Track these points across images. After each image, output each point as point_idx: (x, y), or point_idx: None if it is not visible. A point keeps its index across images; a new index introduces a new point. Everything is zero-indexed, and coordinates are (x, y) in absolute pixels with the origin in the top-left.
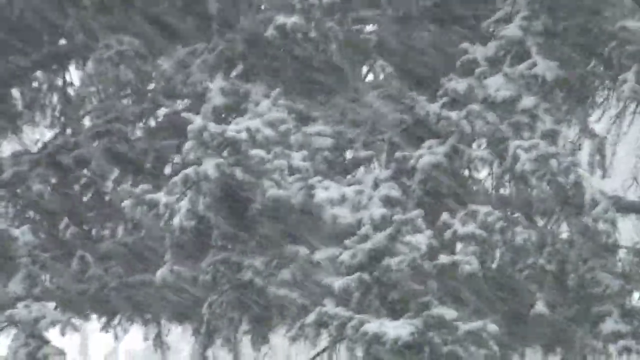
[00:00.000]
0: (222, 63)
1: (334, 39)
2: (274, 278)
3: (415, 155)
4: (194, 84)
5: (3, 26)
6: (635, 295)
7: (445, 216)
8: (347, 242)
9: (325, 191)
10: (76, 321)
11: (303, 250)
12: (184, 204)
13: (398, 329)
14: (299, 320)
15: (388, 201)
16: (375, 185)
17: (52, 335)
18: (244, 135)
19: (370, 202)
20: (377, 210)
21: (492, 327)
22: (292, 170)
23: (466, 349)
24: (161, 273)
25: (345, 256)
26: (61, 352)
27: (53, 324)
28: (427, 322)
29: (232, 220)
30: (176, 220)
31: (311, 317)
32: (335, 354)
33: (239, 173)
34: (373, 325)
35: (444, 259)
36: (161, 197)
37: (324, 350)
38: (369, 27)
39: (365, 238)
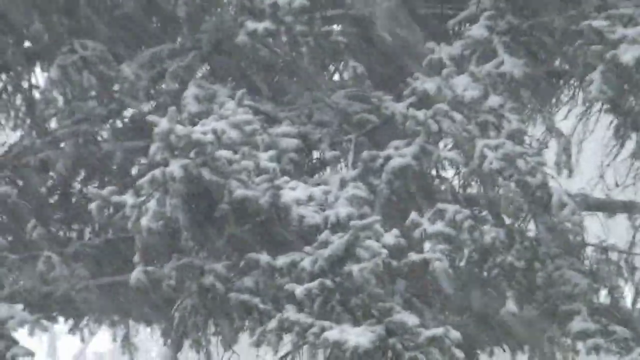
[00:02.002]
0: (193, 70)
1: (305, 43)
2: (236, 283)
3: (382, 155)
4: (168, 92)
5: None
6: (603, 293)
7: (413, 215)
8: (307, 248)
9: (293, 191)
10: (44, 322)
11: (264, 257)
12: (151, 206)
13: (359, 337)
14: (261, 325)
15: (355, 201)
16: (342, 185)
17: (20, 336)
18: (210, 136)
19: (337, 202)
20: (343, 210)
21: (454, 334)
22: (259, 171)
23: (428, 355)
24: (136, 274)
25: (306, 263)
26: (30, 353)
27: (21, 324)
28: (389, 329)
29: (200, 221)
30: (144, 222)
31: (273, 323)
32: (298, 358)
33: (205, 174)
34: (334, 332)
35: (413, 256)
36: (128, 198)
37: (286, 355)
38: (335, 27)
39: (325, 244)
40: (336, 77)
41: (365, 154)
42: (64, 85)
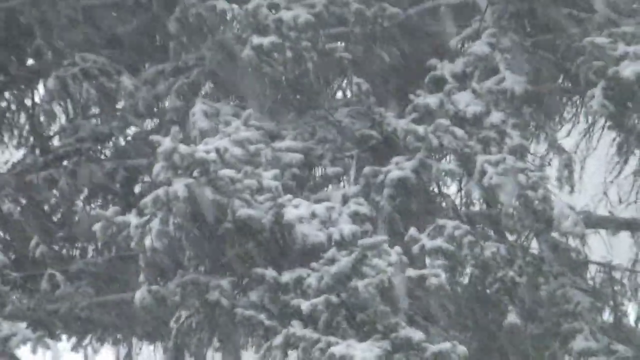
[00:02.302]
0: (198, 86)
1: (309, 59)
2: (241, 299)
3: (383, 171)
4: (173, 109)
5: None
6: (606, 311)
7: (412, 231)
8: (313, 264)
9: (295, 209)
10: (47, 340)
11: (270, 272)
12: (155, 225)
13: (365, 352)
14: (267, 341)
15: (357, 217)
16: (344, 201)
17: (23, 354)
18: (213, 155)
19: (340, 219)
20: (347, 227)
21: (461, 349)
22: (262, 190)
23: None
24: (140, 294)
25: (312, 279)
26: None
27: (24, 342)
28: (395, 344)
29: (203, 240)
30: (147, 241)
31: (278, 339)
32: None
33: (208, 193)
34: (340, 348)
35: (411, 272)
36: (132, 218)
37: None
38: (339, 44)
39: (332, 261)
40: (339, 94)
41: (367, 169)
42: (63, 97)
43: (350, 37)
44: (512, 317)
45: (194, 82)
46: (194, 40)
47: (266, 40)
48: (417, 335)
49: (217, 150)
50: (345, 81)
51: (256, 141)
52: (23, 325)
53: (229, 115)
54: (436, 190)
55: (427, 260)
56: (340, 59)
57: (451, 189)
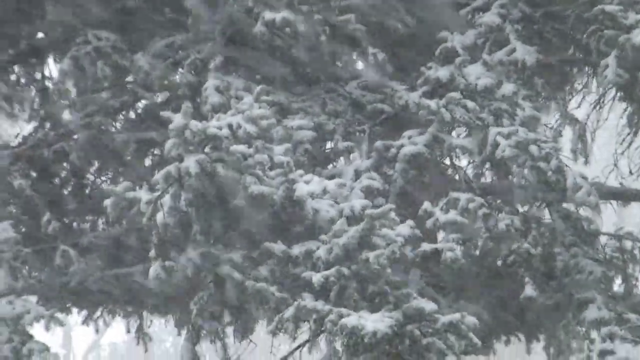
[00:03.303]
0: (209, 61)
1: (322, 32)
2: (252, 272)
3: (396, 145)
4: (185, 83)
5: None
6: (618, 281)
7: (426, 205)
8: (323, 236)
9: (307, 185)
10: (59, 315)
11: (279, 246)
12: (166, 201)
13: (377, 322)
14: (278, 314)
15: (369, 192)
16: (356, 176)
17: (35, 329)
18: (225, 131)
19: (352, 194)
20: (358, 202)
21: (470, 319)
22: (274, 165)
23: (445, 341)
24: (154, 269)
25: (321, 251)
26: (45, 348)
27: (37, 319)
28: (406, 315)
29: (214, 216)
30: (159, 217)
31: (290, 311)
32: (315, 346)
33: (220, 169)
34: (352, 319)
35: (426, 247)
36: (143, 194)
37: (304, 343)
38: (351, 16)
39: (341, 232)
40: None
41: (379, 143)
42: (77, 76)
43: (362, 9)
44: (529, 289)
45: (205, 57)
46: (206, 13)
47: (278, 16)
48: (428, 306)
49: (230, 126)
50: (355, 54)
51: (268, 117)
52: (34, 300)
53: (240, 90)
54: (448, 163)
55: (441, 234)
56: (353, 31)
57: (463, 161)
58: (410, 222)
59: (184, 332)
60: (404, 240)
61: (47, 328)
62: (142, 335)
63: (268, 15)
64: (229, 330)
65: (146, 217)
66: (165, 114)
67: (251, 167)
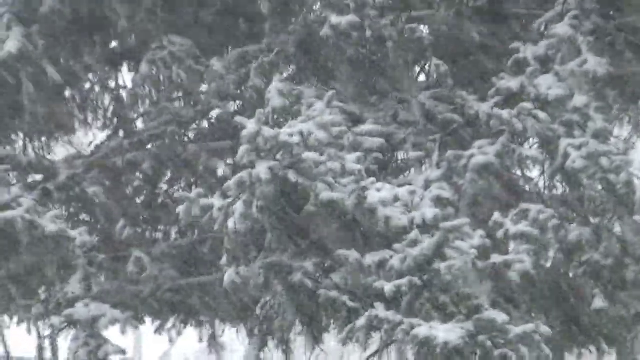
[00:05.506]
0: (277, 66)
1: (389, 38)
2: (325, 281)
3: (466, 155)
4: (253, 87)
5: (56, 29)
6: None
7: (496, 215)
8: (396, 246)
9: (378, 192)
10: (134, 321)
11: (353, 254)
12: (238, 207)
13: (448, 333)
14: (350, 323)
15: (439, 201)
16: (427, 185)
17: (109, 335)
18: (296, 138)
19: (422, 203)
20: (429, 210)
21: (545, 329)
22: (345, 173)
23: (517, 352)
24: (228, 276)
25: (395, 261)
26: (122, 351)
27: (112, 322)
28: (478, 326)
29: (286, 223)
30: (230, 224)
31: (361, 321)
32: (386, 356)
33: (292, 176)
34: (423, 329)
35: (496, 258)
36: (215, 201)
37: (375, 353)
38: (422, 27)
39: (415, 243)
40: (422, 77)
41: (449, 153)
42: (153, 80)
43: (435, 18)
44: (599, 301)
45: (273, 61)
46: (282, 21)
47: (344, 20)
48: (500, 317)
49: (301, 134)
50: (427, 64)
51: (339, 124)
52: (108, 307)
53: (312, 98)
54: (519, 173)
55: (511, 245)
56: (421, 39)
57: (534, 172)
58: (481, 232)
59: (253, 340)
60: (476, 252)
61: (123, 331)
62: (215, 344)
63: (334, 19)
64: (300, 339)
65: (218, 224)
66: (239, 119)
67: (322, 174)
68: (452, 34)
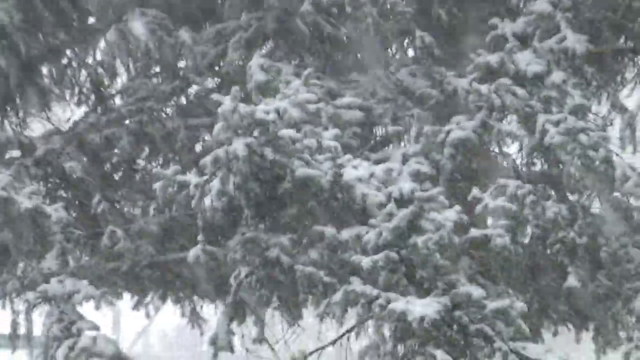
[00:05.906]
0: (257, 41)
1: (369, 14)
2: (301, 256)
3: (444, 130)
4: (230, 63)
5: (32, 6)
6: None
7: (475, 191)
8: (372, 220)
9: (355, 170)
10: (110, 297)
11: (329, 230)
12: (215, 184)
13: (425, 307)
14: (326, 298)
15: (417, 176)
16: (404, 160)
17: (85, 312)
18: (272, 116)
19: (400, 178)
20: (407, 185)
21: (520, 305)
22: (322, 150)
23: (494, 327)
24: (194, 253)
25: (370, 235)
26: (96, 327)
27: (87, 298)
28: (454, 300)
29: (262, 200)
30: (207, 201)
31: (338, 296)
32: (363, 331)
33: (268, 153)
34: (400, 304)
35: (474, 232)
36: (191, 178)
37: (352, 329)
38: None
39: (390, 216)
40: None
41: (427, 129)
42: (123, 50)
43: None
44: (572, 279)
45: (251, 37)
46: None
47: None
48: (476, 292)
49: (277, 111)
50: (406, 40)
51: (316, 100)
52: (85, 282)
53: (289, 75)
54: (497, 149)
55: (489, 220)
56: (401, 14)
57: (511, 148)
58: (457, 207)
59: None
60: (453, 225)
61: (98, 307)
62: (196, 319)
63: None
64: (277, 315)
65: (195, 201)
66: (216, 96)
67: (299, 151)
68: (428, 10)
